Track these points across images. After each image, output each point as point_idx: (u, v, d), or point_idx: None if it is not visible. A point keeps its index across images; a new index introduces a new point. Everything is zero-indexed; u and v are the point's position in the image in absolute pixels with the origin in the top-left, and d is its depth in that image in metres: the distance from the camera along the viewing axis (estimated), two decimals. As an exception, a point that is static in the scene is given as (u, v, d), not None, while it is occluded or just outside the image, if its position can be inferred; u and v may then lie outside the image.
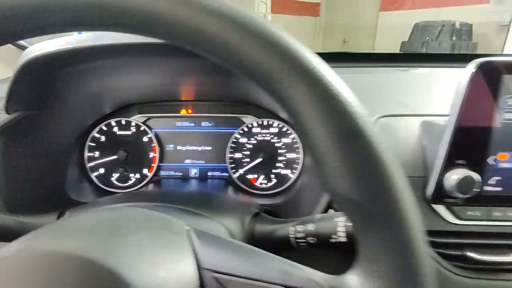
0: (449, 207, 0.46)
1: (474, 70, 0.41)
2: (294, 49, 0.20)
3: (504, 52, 4.50)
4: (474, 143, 0.44)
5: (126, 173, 0.70)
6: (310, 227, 0.41)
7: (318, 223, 0.41)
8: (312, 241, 0.41)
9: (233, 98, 0.70)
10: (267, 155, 0.68)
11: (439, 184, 0.44)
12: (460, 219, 0.45)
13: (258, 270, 0.24)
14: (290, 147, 0.69)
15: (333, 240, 0.39)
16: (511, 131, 0.43)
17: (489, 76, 0.42)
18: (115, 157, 0.69)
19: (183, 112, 0.71)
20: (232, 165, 0.70)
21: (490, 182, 0.45)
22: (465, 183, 0.43)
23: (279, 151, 0.69)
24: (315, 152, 0.21)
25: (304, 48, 0.20)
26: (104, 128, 0.70)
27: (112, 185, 0.70)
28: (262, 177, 0.69)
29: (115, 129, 0.70)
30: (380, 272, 0.21)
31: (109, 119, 0.69)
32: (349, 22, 7.74)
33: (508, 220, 0.45)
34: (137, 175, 0.70)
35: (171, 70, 0.60)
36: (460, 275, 0.44)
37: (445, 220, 0.45)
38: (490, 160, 0.44)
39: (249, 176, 0.70)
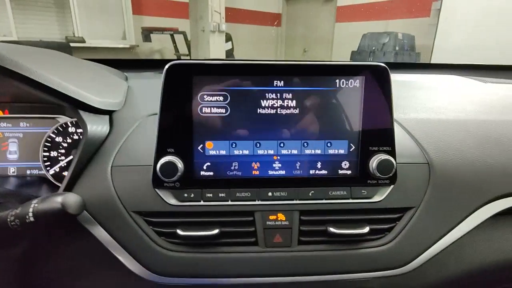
0: (169, 190, 0.52)
1: (165, 72, 0.49)
2: None
3: (432, 59, 4.85)
4: (180, 134, 0.51)
5: None
6: (18, 210, 0.46)
7: (21, 207, 0.46)
8: (15, 223, 0.46)
9: (48, 100, 0.74)
10: None
11: (155, 173, 0.51)
12: (178, 200, 0.52)
13: None
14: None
15: (27, 221, 0.45)
16: (210, 122, 0.51)
17: (181, 76, 0.49)
18: None
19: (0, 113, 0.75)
20: (47, 163, 0.74)
21: (202, 167, 0.52)
22: (170, 169, 0.50)
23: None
24: None
25: None
26: None
27: None
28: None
29: None
30: None
31: None
32: (308, 33, 8.03)
33: (218, 200, 0.52)
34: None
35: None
36: (172, 250, 0.51)
37: (165, 202, 0.52)
38: (199, 148, 0.52)
39: (66, 173, 0.75)
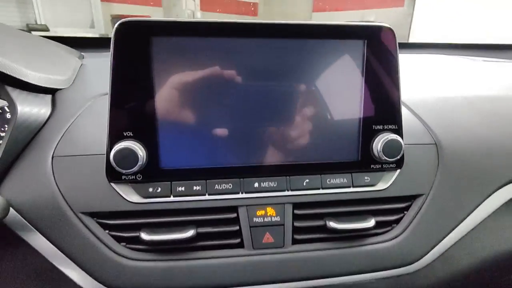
0: (129, 184, 0.41)
1: (115, 32, 0.37)
2: None
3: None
4: (138, 113, 0.39)
5: None
6: None
7: None
8: None
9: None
10: None
11: (108, 160, 0.40)
12: (142, 196, 0.41)
13: None
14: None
15: None
16: (177, 97, 0.40)
17: (136, 38, 0.38)
18: None
19: None
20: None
21: (171, 154, 0.42)
22: (127, 157, 0.39)
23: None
24: None
25: None
26: None
27: None
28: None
29: None
30: None
31: None
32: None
33: (193, 194, 0.42)
34: None
35: None
36: (134, 259, 0.40)
37: (125, 199, 0.41)
38: (161, 132, 0.41)
39: None
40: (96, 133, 0.44)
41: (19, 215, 0.39)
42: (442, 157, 0.49)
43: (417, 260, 0.45)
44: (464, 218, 0.47)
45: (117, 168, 0.39)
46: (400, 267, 0.45)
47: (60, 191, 0.40)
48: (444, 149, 0.49)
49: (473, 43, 1.15)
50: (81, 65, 0.61)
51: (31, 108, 0.45)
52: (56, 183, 0.41)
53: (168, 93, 0.40)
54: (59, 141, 0.43)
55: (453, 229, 0.47)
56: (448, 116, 0.54)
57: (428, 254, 0.46)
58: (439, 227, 0.46)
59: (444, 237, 0.46)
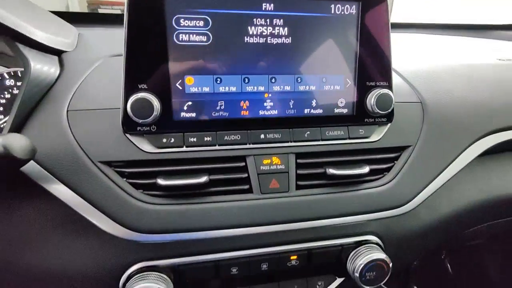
0: (143, 135, 0.44)
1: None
2: None
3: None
4: (153, 67, 0.42)
5: None
6: None
7: None
8: None
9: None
10: None
11: (125, 111, 0.42)
12: (155, 147, 0.44)
13: None
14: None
15: None
16: (189, 53, 0.43)
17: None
18: None
19: None
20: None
21: (183, 107, 0.44)
22: (144, 107, 0.41)
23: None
24: None
25: None
26: None
27: None
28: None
29: None
30: None
31: None
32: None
33: (204, 145, 0.45)
34: None
35: None
36: (152, 203, 0.43)
37: (140, 149, 0.44)
38: (177, 85, 0.43)
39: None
40: (107, 90, 0.46)
41: (38, 166, 0.41)
42: (426, 114, 0.54)
43: (406, 203, 0.50)
44: (445, 168, 0.53)
45: (134, 118, 0.41)
46: (390, 209, 0.50)
47: (77, 142, 0.42)
48: (428, 107, 0.55)
49: (452, 23, 1.22)
50: (79, 34, 0.62)
51: (42, 66, 0.46)
52: (73, 135, 0.42)
53: (178, 50, 0.42)
54: (72, 96, 0.45)
55: (435, 178, 0.52)
56: (432, 79, 0.59)
57: (414, 199, 0.51)
58: (424, 175, 0.52)
59: (428, 185, 0.52)
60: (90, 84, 0.47)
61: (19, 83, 0.61)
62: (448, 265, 1.41)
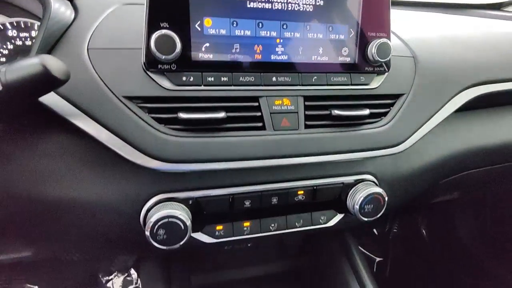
0: (164, 73, 0.46)
1: None
2: None
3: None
4: (174, 6, 0.44)
5: None
6: None
7: None
8: None
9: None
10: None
11: (148, 50, 0.44)
12: (175, 84, 0.46)
13: None
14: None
15: None
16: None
17: None
18: None
19: None
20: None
21: (201, 48, 0.47)
22: (167, 43, 0.43)
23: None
24: None
25: None
26: None
27: None
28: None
29: None
30: None
31: None
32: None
33: (221, 85, 0.48)
34: None
35: None
36: (175, 136, 0.46)
37: (161, 86, 0.46)
38: (195, 26, 0.46)
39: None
40: (124, 31, 0.48)
41: (63, 99, 0.42)
42: (418, 67, 0.60)
43: (399, 144, 0.56)
44: (433, 115, 0.59)
45: (157, 54, 0.43)
46: (386, 148, 0.55)
47: (100, 78, 0.44)
48: (419, 61, 0.60)
49: (439, 2, 1.30)
50: None
51: (59, 6, 0.46)
52: (95, 71, 0.44)
53: None
54: (90, 36, 0.46)
55: (425, 123, 0.58)
56: (423, 38, 0.65)
57: (406, 142, 0.57)
58: (415, 119, 0.58)
59: (418, 129, 0.58)
60: (106, 26, 0.48)
61: (23, 34, 0.61)
62: (423, 231, 1.54)
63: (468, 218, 1.43)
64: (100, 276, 1.23)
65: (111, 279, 1.25)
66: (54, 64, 0.35)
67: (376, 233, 1.51)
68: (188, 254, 0.72)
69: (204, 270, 0.75)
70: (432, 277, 1.37)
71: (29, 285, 1.18)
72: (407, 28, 0.68)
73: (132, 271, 1.26)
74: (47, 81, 0.34)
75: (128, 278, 1.26)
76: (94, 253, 0.62)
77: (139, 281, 1.23)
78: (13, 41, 0.61)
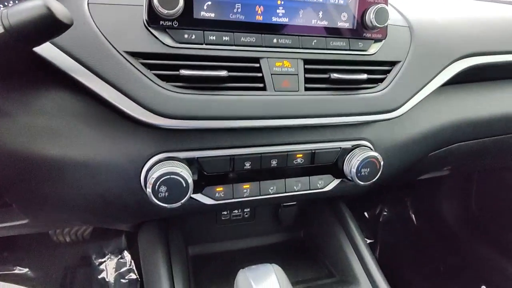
0: (165, 30, 0.46)
1: None
2: None
3: None
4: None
5: None
6: None
7: None
8: None
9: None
10: None
11: (150, 4, 0.43)
12: (177, 42, 0.46)
13: None
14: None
15: None
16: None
17: None
18: None
19: None
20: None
21: (203, 6, 0.47)
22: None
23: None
24: None
25: None
26: None
27: None
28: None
29: None
30: None
31: None
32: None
33: (222, 44, 0.48)
34: None
35: None
36: (177, 92, 0.46)
37: (162, 43, 0.46)
38: (197, -19, 0.46)
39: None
40: None
41: (63, 53, 0.42)
42: (413, 37, 0.61)
43: (394, 110, 0.57)
44: (427, 83, 0.61)
45: (159, 9, 0.43)
46: (382, 113, 0.56)
47: (101, 32, 0.43)
48: (414, 31, 0.62)
49: None
50: None
51: None
52: (96, 25, 0.43)
53: None
54: None
55: (419, 90, 0.60)
56: (418, 10, 0.67)
57: (401, 108, 0.58)
58: (410, 86, 0.59)
59: (413, 96, 0.59)
60: None
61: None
62: (412, 215, 1.58)
63: (454, 201, 1.48)
64: (93, 259, 1.23)
65: (104, 261, 1.25)
66: (58, 6, 0.34)
67: (367, 216, 1.55)
68: (186, 225, 0.72)
69: (201, 241, 0.76)
70: (420, 258, 1.42)
71: (19, 268, 1.16)
72: (404, 0, 0.70)
73: (125, 253, 1.26)
74: (51, 24, 0.34)
75: (122, 260, 1.25)
76: (91, 219, 0.62)
77: (132, 263, 1.23)
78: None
